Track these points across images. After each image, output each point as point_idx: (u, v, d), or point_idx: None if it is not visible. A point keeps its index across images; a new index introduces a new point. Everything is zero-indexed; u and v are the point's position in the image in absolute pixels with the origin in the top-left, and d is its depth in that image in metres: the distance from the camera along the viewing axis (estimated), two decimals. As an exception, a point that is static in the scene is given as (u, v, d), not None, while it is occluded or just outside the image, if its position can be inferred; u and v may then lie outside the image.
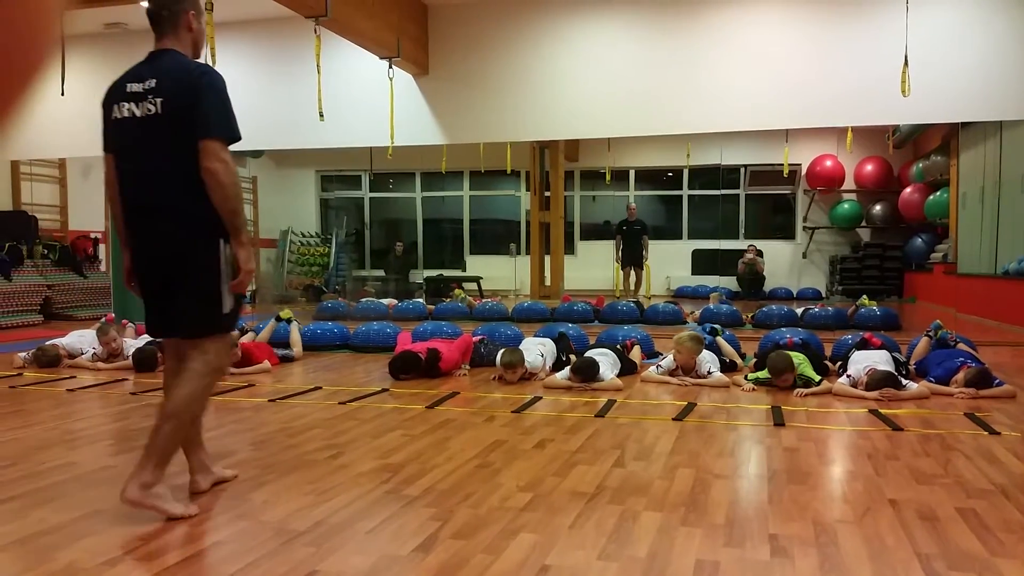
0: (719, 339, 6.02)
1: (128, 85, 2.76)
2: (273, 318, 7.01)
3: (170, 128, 2.69)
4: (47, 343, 6.36)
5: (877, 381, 4.73)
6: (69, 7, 0.59)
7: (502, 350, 5.60)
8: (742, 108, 8.16)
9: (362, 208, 17.55)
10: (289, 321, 6.95)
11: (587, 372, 5.09)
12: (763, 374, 5.24)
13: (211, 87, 2.70)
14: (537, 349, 5.71)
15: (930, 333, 5.67)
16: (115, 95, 2.79)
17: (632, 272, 13.66)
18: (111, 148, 2.83)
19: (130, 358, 6.05)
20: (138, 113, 2.72)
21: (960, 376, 4.88)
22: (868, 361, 5.03)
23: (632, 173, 16.44)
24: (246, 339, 6.64)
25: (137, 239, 2.80)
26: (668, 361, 5.40)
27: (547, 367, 5.59)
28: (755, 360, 5.74)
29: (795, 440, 3.77)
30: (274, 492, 2.96)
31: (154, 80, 2.71)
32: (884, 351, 5.33)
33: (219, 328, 2.81)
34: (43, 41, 0.56)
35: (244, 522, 2.64)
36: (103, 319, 6.63)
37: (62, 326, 6.91)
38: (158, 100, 2.69)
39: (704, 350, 5.45)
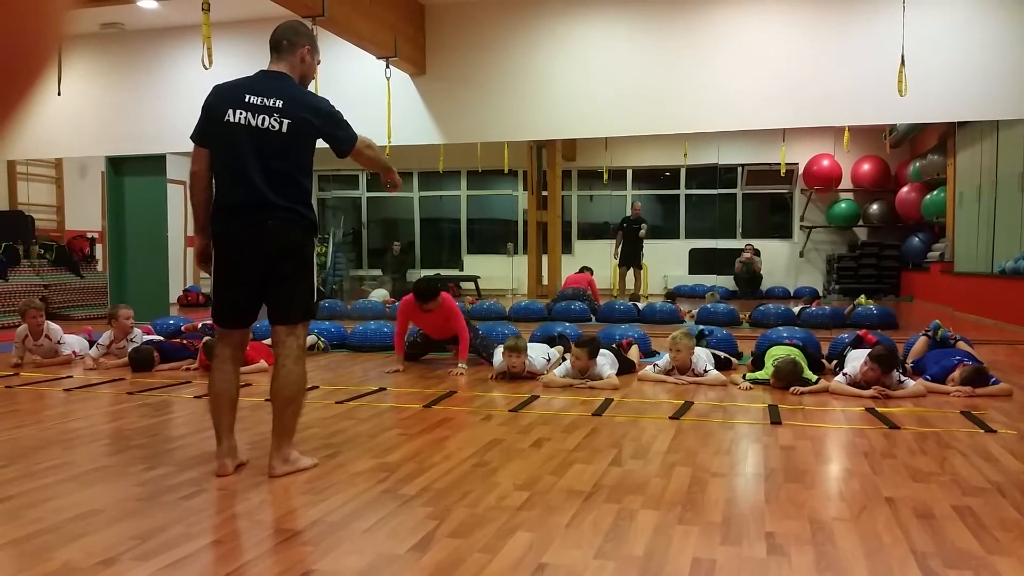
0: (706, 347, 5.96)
1: (247, 96, 3.11)
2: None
3: (291, 145, 3.12)
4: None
5: (968, 375, 4.80)
6: (73, 7, 0.58)
7: (508, 339, 5.64)
8: (739, 107, 8.16)
9: (359, 208, 17.54)
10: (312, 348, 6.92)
11: (592, 345, 5.17)
12: (761, 374, 5.25)
13: (334, 119, 3.23)
14: (540, 353, 5.72)
15: (928, 333, 5.67)
16: (230, 99, 3.12)
17: (630, 272, 13.57)
18: (208, 144, 3.16)
19: (127, 357, 6.07)
20: (254, 123, 3.09)
21: (956, 374, 4.89)
22: (864, 359, 5.03)
23: (629, 172, 16.45)
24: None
25: (245, 233, 3.10)
26: (665, 361, 5.41)
27: (547, 368, 5.59)
28: (752, 359, 5.74)
29: (792, 438, 3.77)
30: (271, 491, 2.96)
31: (279, 101, 3.11)
32: (880, 349, 5.33)
33: (312, 314, 3.38)
34: (48, 42, 0.56)
35: (241, 521, 2.64)
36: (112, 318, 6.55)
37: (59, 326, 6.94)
38: (284, 121, 3.10)
39: (697, 347, 5.47)
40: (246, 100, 3.10)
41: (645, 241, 13.55)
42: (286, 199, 3.11)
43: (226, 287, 3.19)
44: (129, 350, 6.13)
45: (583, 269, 11.64)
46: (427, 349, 6.41)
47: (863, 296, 9.73)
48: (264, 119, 3.09)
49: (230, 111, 3.10)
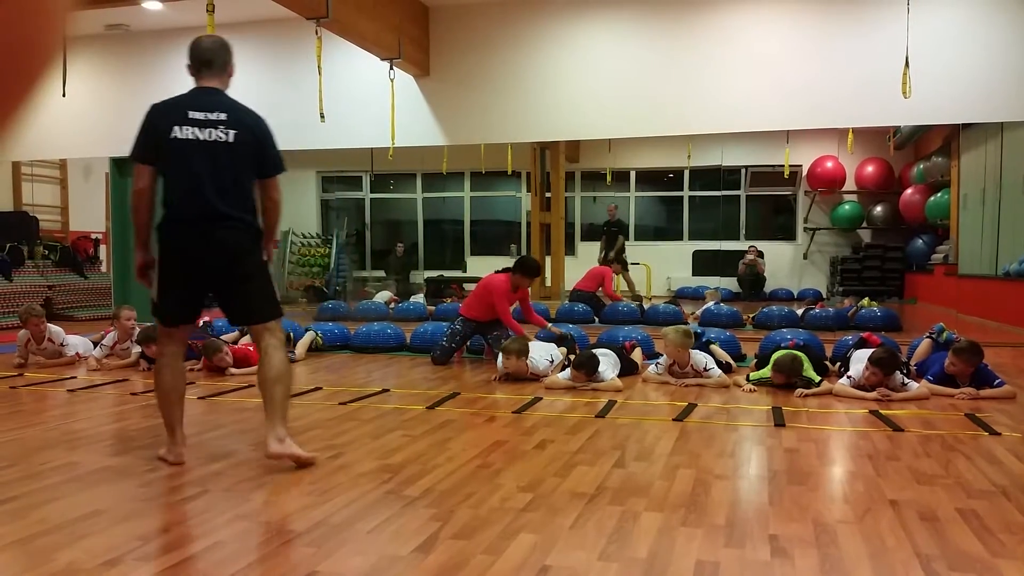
0: (714, 346, 5.96)
1: (189, 112, 3.24)
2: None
3: (240, 156, 3.27)
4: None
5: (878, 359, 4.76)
6: (76, 8, 0.58)
7: (508, 341, 5.64)
8: (743, 109, 8.16)
9: (363, 209, 17.56)
10: (306, 330, 6.89)
11: (590, 364, 5.12)
12: (764, 373, 5.24)
13: (271, 134, 3.39)
14: (543, 354, 5.71)
15: (933, 335, 5.65)
16: (173, 117, 3.24)
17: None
18: (154, 161, 3.27)
19: (135, 339, 6.15)
20: (202, 137, 3.22)
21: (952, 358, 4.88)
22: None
23: (633, 174, 16.45)
24: (245, 340, 6.64)
25: (199, 242, 3.23)
26: (664, 358, 5.43)
27: (550, 370, 5.59)
28: (756, 360, 5.73)
29: (795, 441, 3.76)
30: (274, 492, 2.96)
31: (222, 114, 3.26)
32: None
33: (281, 311, 3.48)
34: (50, 42, 0.56)
35: (244, 522, 2.64)
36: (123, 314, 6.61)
37: (63, 327, 6.93)
38: (231, 131, 3.25)
39: (697, 350, 5.47)
40: (190, 116, 3.24)
41: (648, 242, 13.50)
42: (235, 208, 3.27)
43: (175, 290, 3.31)
44: (132, 351, 6.15)
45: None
46: (467, 340, 6.60)
47: (867, 299, 9.72)
48: (211, 132, 3.23)
49: (176, 128, 3.22)
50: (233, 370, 5.73)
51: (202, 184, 3.21)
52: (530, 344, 6.05)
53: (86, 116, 9.66)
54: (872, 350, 5.28)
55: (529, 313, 6.67)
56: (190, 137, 3.22)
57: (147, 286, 3.40)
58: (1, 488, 3.02)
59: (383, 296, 11.79)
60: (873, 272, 14.39)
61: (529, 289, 6.55)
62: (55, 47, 0.57)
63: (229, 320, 3.48)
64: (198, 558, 2.33)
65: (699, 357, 5.35)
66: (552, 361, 5.69)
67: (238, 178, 3.28)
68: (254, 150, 3.32)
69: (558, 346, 6.13)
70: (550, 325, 6.63)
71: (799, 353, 5.18)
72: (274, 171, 3.39)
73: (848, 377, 4.97)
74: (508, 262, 14.93)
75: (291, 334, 6.85)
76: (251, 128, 3.31)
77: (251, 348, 6.13)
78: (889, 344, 5.67)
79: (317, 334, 6.97)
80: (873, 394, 4.71)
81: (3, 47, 0.53)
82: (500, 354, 5.68)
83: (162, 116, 3.27)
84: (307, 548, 2.38)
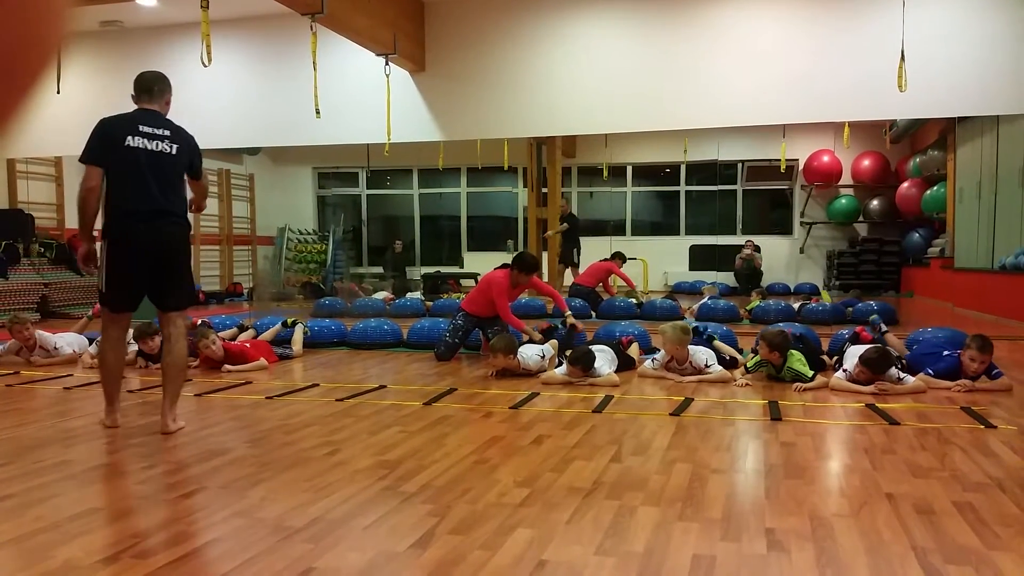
0: (716, 342, 5.96)
1: (140, 126, 3.82)
2: (280, 322, 6.90)
3: (179, 164, 3.94)
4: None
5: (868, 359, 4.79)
6: (74, 5, 0.58)
7: (495, 339, 5.64)
8: (739, 103, 8.15)
9: (359, 205, 17.54)
10: (294, 324, 6.87)
11: (586, 360, 5.11)
12: (760, 356, 5.24)
13: (198, 151, 4.07)
14: (534, 350, 5.71)
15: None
16: (126, 128, 3.80)
17: (568, 271, 12.82)
18: (105, 164, 3.76)
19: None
20: (150, 147, 3.82)
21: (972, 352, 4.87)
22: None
23: (629, 169, 16.44)
24: (245, 336, 6.64)
25: (148, 234, 3.80)
26: (661, 353, 5.43)
27: (543, 364, 5.59)
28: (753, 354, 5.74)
29: (792, 435, 3.77)
30: (271, 489, 2.96)
31: (167, 131, 3.90)
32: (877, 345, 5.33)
33: (192, 303, 4.17)
34: (50, 40, 0.56)
35: (241, 519, 2.64)
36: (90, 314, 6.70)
37: (59, 324, 6.90)
38: (174, 146, 3.91)
39: (699, 346, 5.46)
40: (140, 129, 3.81)
41: (645, 237, 13.49)
42: (176, 207, 3.90)
43: (125, 279, 3.83)
44: (129, 348, 6.13)
45: (615, 256, 11.17)
46: (469, 335, 6.60)
47: (824, 291, 9.79)
48: (158, 144, 3.85)
49: (129, 137, 3.77)
50: (228, 367, 5.72)
51: (150, 186, 3.78)
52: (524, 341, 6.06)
53: (81, 113, 9.61)
54: (866, 346, 5.30)
55: (555, 297, 7.02)
56: (140, 146, 3.78)
57: (88, 273, 3.93)
58: (-3, 486, 3.01)
59: (380, 295, 11.81)
60: (869, 266, 14.41)
61: (543, 277, 6.66)
62: (54, 45, 0.56)
63: (153, 303, 3.95)
64: (195, 555, 2.33)
65: (700, 355, 5.33)
66: (544, 356, 5.68)
67: (177, 184, 3.94)
68: (189, 160, 3.97)
69: (547, 339, 6.14)
70: (568, 311, 6.61)
71: (784, 331, 5.24)
72: (200, 176, 4.11)
73: (844, 371, 4.98)
74: (505, 258, 14.80)
75: (288, 321, 6.86)
76: (188, 142, 3.97)
77: (247, 345, 6.13)
78: (881, 340, 5.69)
79: (304, 325, 6.97)
80: (869, 388, 4.72)
81: (2, 45, 0.53)
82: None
83: (115, 127, 3.80)
84: (304, 544, 2.38)
